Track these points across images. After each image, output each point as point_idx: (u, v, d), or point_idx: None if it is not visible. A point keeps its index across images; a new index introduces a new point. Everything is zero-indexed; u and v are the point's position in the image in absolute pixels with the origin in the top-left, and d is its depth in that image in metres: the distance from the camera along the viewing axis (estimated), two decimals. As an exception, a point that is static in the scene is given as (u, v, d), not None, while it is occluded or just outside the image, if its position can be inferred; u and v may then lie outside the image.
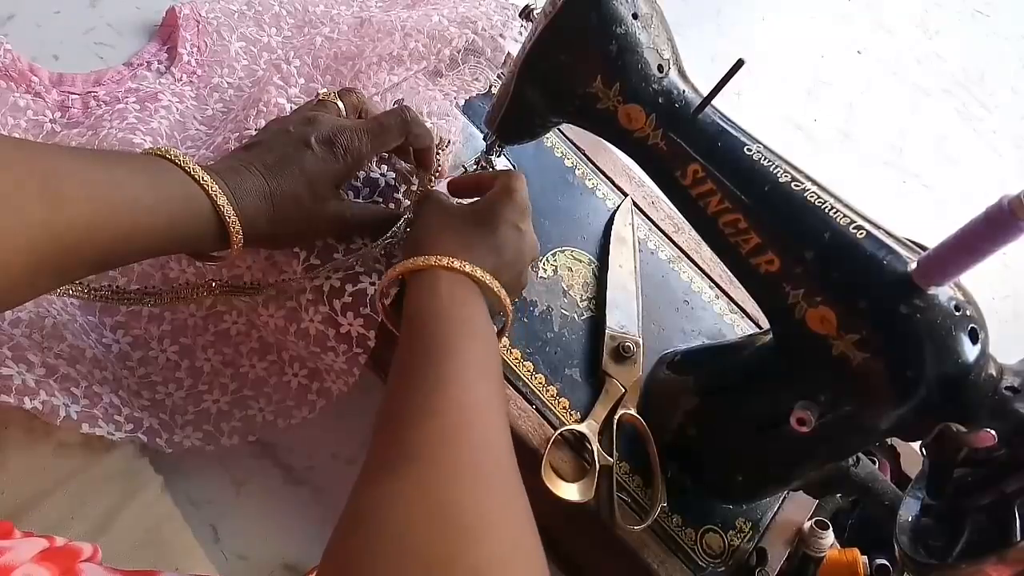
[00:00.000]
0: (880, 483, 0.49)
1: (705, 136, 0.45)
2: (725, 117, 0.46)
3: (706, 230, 0.47)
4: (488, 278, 0.44)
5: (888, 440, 0.59)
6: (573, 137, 0.67)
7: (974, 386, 0.39)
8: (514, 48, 0.64)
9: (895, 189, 0.95)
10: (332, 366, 0.54)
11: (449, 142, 0.57)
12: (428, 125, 0.58)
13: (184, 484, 0.54)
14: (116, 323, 0.56)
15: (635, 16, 0.45)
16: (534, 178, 0.62)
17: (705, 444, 0.53)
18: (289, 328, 0.53)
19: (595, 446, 0.52)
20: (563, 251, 0.60)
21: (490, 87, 0.65)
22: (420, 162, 0.55)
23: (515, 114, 0.51)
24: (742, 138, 0.45)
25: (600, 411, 0.54)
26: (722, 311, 0.63)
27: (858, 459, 0.49)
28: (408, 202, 0.55)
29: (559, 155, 0.65)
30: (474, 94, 0.64)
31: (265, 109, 0.55)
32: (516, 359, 0.55)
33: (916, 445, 0.52)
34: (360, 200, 0.54)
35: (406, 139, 0.50)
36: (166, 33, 0.68)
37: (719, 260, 0.49)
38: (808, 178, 0.44)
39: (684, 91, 0.46)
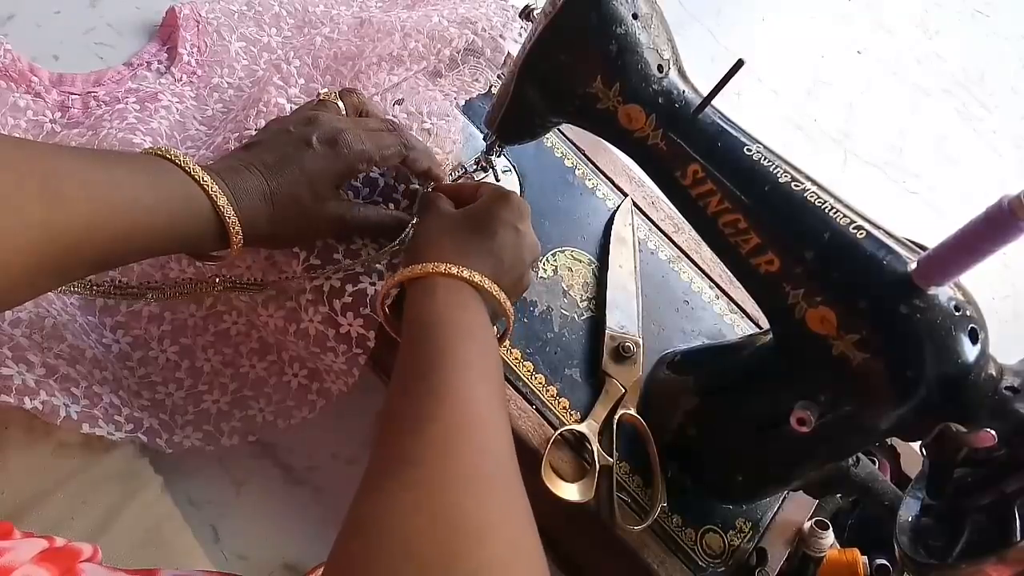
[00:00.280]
0: (880, 483, 0.49)
1: (705, 136, 0.45)
2: (725, 117, 0.46)
3: (706, 230, 0.47)
4: (487, 283, 0.44)
5: (888, 440, 0.59)
6: (573, 137, 0.66)
7: (974, 386, 0.39)
8: (514, 49, 0.64)
9: (895, 189, 0.95)
10: (332, 366, 0.54)
11: (450, 151, 0.57)
12: (428, 126, 0.58)
13: (184, 484, 0.54)
14: (116, 323, 0.56)
15: (635, 16, 0.45)
16: (534, 178, 0.62)
17: (705, 444, 0.53)
18: (289, 328, 0.53)
19: (595, 446, 0.52)
20: (563, 251, 0.60)
21: (490, 87, 0.65)
22: (422, 178, 0.55)
23: (515, 114, 0.51)
24: (742, 138, 0.45)
25: (600, 411, 0.54)
26: (722, 311, 0.63)
27: (858, 459, 0.49)
28: (407, 202, 0.55)
29: (559, 155, 0.65)
30: (474, 95, 0.64)
31: (265, 109, 0.55)
32: (516, 359, 0.55)
33: (916, 445, 0.52)
34: (360, 200, 0.54)
35: (404, 162, 0.51)
36: (166, 33, 0.68)
37: (719, 260, 0.48)
38: (808, 178, 0.44)
39: (684, 91, 0.46)
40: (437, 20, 0.61)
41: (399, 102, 0.59)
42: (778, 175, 0.43)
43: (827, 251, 0.41)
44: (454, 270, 0.43)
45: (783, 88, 0.98)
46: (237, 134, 0.54)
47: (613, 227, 0.62)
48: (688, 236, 0.65)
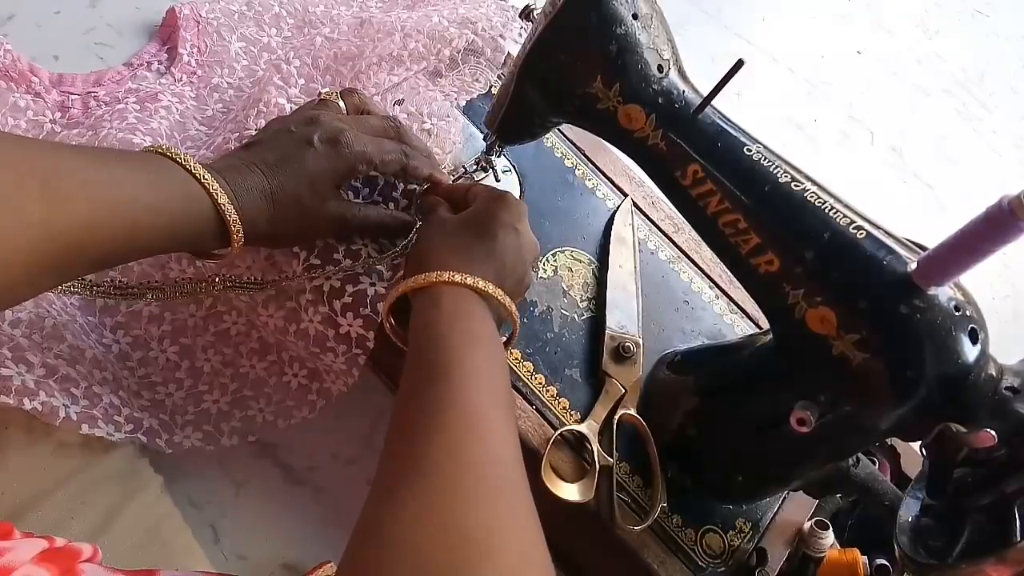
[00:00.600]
0: (880, 483, 0.49)
1: (705, 136, 0.45)
2: (725, 117, 0.46)
3: (706, 230, 0.47)
4: (491, 288, 0.44)
5: (888, 440, 0.59)
6: (573, 137, 0.66)
7: (974, 386, 0.39)
8: (514, 49, 0.64)
9: (895, 189, 0.95)
10: (332, 366, 0.54)
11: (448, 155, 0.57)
12: (428, 126, 0.58)
13: (184, 484, 0.54)
14: (116, 323, 0.56)
15: (635, 16, 0.45)
16: (534, 178, 0.62)
17: (705, 444, 0.53)
18: (289, 328, 0.53)
19: (595, 446, 0.52)
20: (563, 251, 0.60)
21: (490, 87, 0.65)
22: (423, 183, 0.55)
23: (515, 114, 0.51)
24: (742, 138, 0.45)
25: (600, 411, 0.54)
26: (722, 311, 0.63)
27: (858, 459, 0.49)
28: (406, 202, 0.55)
29: (559, 155, 0.65)
30: (474, 95, 0.64)
31: (265, 109, 0.55)
32: (516, 359, 0.55)
33: (916, 445, 0.52)
34: (360, 200, 0.54)
35: (404, 170, 0.51)
36: (166, 33, 0.68)
37: (719, 260, 0.48)
38: (808, 178, 0.44)
39: (684, 91, 0.46)
40: (437, 20, 0.61)
41: (399, 102, 0.59)
42: (778, 175, 0.43)
43: (827, 251, 0.41)
44: (458, 278, 0.43)
45: (783, 88, 0.98)
46: (237, 134, 0.54)
47: (613, 227, 0.62)
48: (688, 236, 0.65)
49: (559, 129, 0.66)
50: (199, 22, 0.67)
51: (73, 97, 0.62)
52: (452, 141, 0.59)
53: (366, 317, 0.50)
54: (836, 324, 0.40)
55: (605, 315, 0.58)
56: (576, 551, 0.58)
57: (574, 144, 0.66)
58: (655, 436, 0.54)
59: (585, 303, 0.59)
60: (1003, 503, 0.37)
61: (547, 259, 0.59)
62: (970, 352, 0.38)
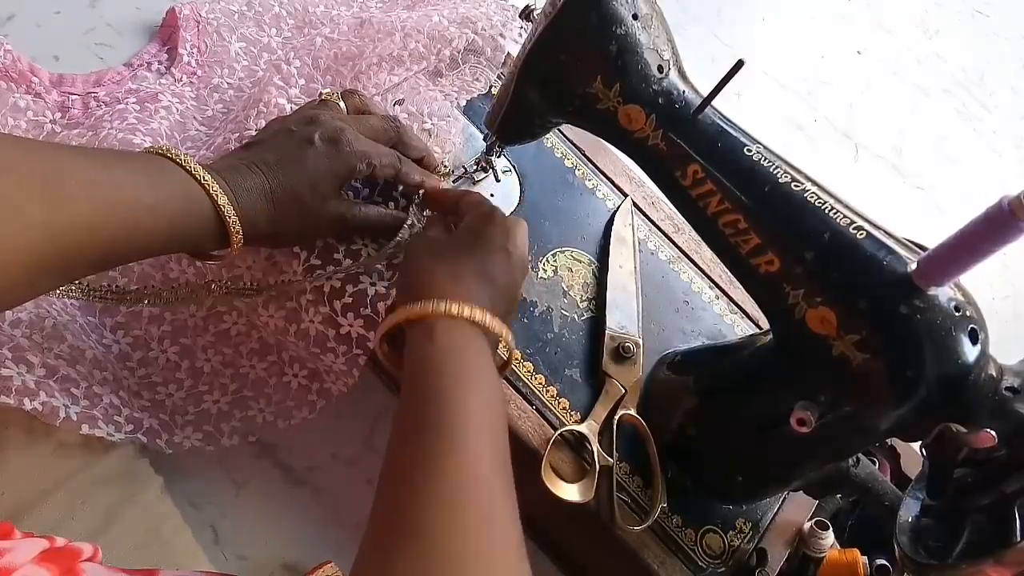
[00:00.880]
0: (880, 483, 0.49)
1: (705, 136, 0.45)
2: (725, 117, 0.46)
3: (706, 230, 0.47)
4: (487, 318, 0.42)
5: (888, 440, 0.59)
6: (573, 137, 0.66)
7: (974, 386, 0.39)
8: (514, 49, 0.64)
9: (895, 189, 0.95)
10: (332, 367, 0.54)
11: (444, 166, 0.57)
12: (428, 126, 0.58)
13: (184, 484, 0.54)
14: (116, 324, 0.56)
15: (635, 16, 0.45)
16: (534, 178, 0.62)
17: (705, 444, 0.53)
18: (289, 329, 0.53)
19: (595, 446, 0.52)
20: (563, 251, 0.60)
21: (490, 87, 0.65)
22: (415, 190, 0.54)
23: (515, 114, 0.51)
24: (742, 138, 0.45)
25: (600, 411, 0.54)
26: (722, 311, 0.63)
27: (858, 459, 0.49)
28: (405, 202, 0.55)
29: (559, 155, 0.65)
30: (475, 94, 0.64)
31: (265, 110, 0.55)
32: (516, 359, 0.55)
33: (916, 445, 0.52)
34: (360, 200, 0.54)
35: (397, 176, 0.51)
36: (166, 33, 0.68)
37: (719, 260, 0.48)
38: (808, 178, 0.44)
39: (684, 91, 0.46)
40: (437, 20, 0.61)
41: (400, 102, 0.59)
42: (778, 175, 0.43)
43: (827, 251, 0.41)
44: (455, 309, 0.41)
45: (783, 88, 0.98)
46: (237, 134, 0.54)
47: (613, 227, 0.62)
48: (688, 236, 0.65)
49: (559, 129, 0.66)
50: (199, 22, 0.67)
51: (73, 97, 0.62)
52: (452, 141, 0.59)
53: (366, 317, 0.50)
54: (836, 324, 0.40)
55: (605, 315, 0.58)
56: (576, 551, 0.58)
57: (574, 144, 0.66)
58: (655, 436, 0.54)
59: (585, 303, 0.59)
60: (1003, 503, 0.37)
61: (547, 259, 0.60)
62: (970, 352, 0.38)
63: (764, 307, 0.47)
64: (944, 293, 0.39)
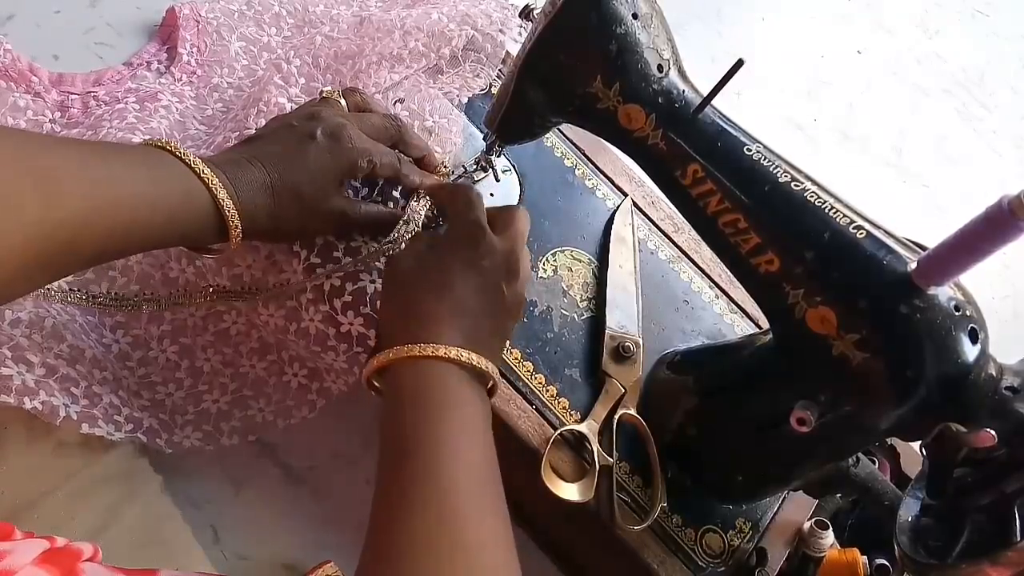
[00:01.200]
0: (880, 483, 0.49)
1: (705, 136, 0.45)
2: (725, 117, 0.46)
3: (706, 230, 0.47)
4: (453, 352, 0.41)
5: (888, 440, 0.59)
6: (573, 137, 0.66)
7: (974, 386, 0.39)
8: (513, 47, 0.64)
9: (895, 189, 0.95)
10: (332, 365, 0.54)
11: (443, 166, 0.57)
12: (429, 124, 0.58)
13: (184, 484, 0.54)
14: (116, 323, 0.56)
15: (635, 16, 0.45)
16: (534, 178, 0.62)
17: (705, 444, 0.53)
18: (289, 327, 0.52)
19: (595, 446, 0.52)
20: (563, 251, 0.60)
21: (490, 87, 0.65)
22: (423, 168, 0.54)
23: (515, 114, 0.51)
24: (742, 138, 0.45)
25: (600, 411, 0.54)
26: (722, 311, 0.63)
27: (858, 459, 0.49)
28: (404, 202, 0.55)
29: (559, 155, 0.65)
30: (476, 91, 0.64)
31: (266, 109, 0.54)
32: (516, 359, 0.55)
33: (916, 445, 0.52)
34: (359, 199, 0.54)
35: (396, 177, 0.51)
36: (166, 33, 0.68)
37: (719, 260, 0.48)
38: (808, 178, 0.44)
39: (684, 91, 0.46)
40: (437, 17, 0.61)
41: (400, 101, 0.59)
42: (778, 175, 0.43)
43: (827, 251, 0.41)
44: (416, 351, 0.41)
45: (783, 88, 0.98)
46: (237, 133, 0.54)
47: (613, 227, 0.62)
48: (688, 236, 0.65)
49: (559, 129, 0.66)
50: (199, 22, 0.67)
51: (73, 97, 0.62)
52: (453, 141, 0.59)
53: (366, 315, 0.50)
54: (836, 324, 0.40)
55: (605, 315, 0.58)
56: (576, 551, 0.58)
57: (574, 144, 0.66)
58: (655, 436, 0.54)
59: (585, 303, 0.59)
60: (1003, 503, 0.37)
61: (547, 258, 0.60)
62: (970, 352, 0.38)
63: (764, 307, 0.47)
64: (944, 293, 0.39)
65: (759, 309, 0.53)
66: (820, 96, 0.99)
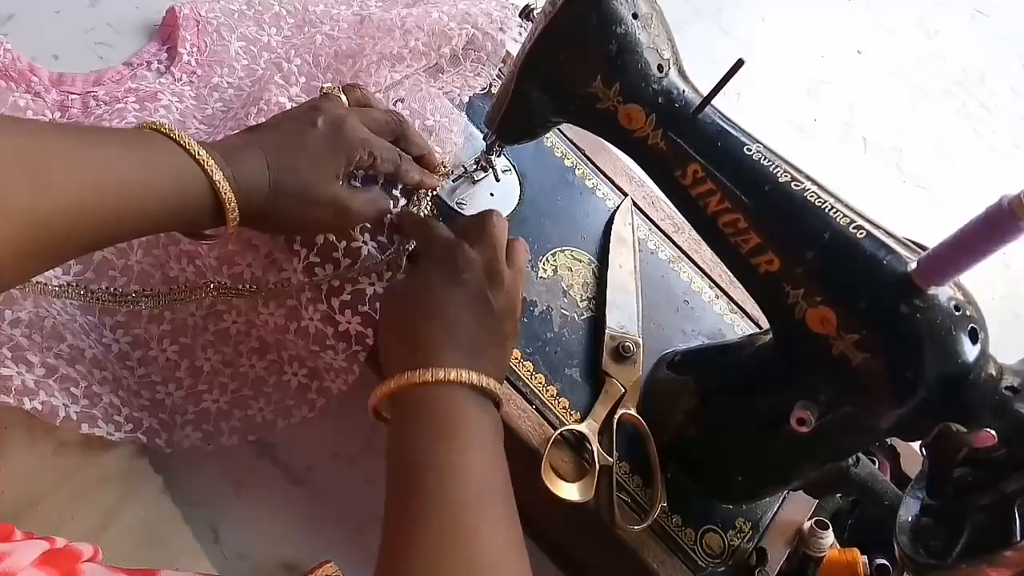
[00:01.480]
0: (880, 483, 0.49)
1: (705, 136, 0.45)
2: (725, 117, 0.46)
3: (706, 230, 0.47)
4: (453, 374, 0.41)
5: (888, 440, 0.59)
6: (573, 137, 0.66)
7: (974, 386, 0.39)
8: (514, 47, 0.63)
9: (895, 189, 0.95)
10: (332, 364, 0.54)
11: (443, 166, 0.57)
12: (430, 123, 0.58)
13: (184, 484, 0.54)
14: (116, 323, 0.56)
15: (635, 16, 0.45)
16: (534, 178, 0.62)
17: (705, 444, 0.53)
18: (289, 327, 0.53)
19: (595, 446, 0.52)
20: (563, 251, 0.60)
21: (490, 86, 0.65)
22: (423, 167, 0.54)
23: (515, 114, 0.51)
24: (742, 138, 0.45)
25: (600, 411, 0.54)
26: (722, 311, 0.63)
27: (858, 459, 0.49)
28: (404, 200, 0.55)
29: (559, 155, 0.65)
30: (476, 91, 0.64)
31: (266, 108, 0.54)
32: (516, 359, 0.55)
33: (916, 445, 0.52)
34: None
35: (396, 173, 0.50)
36: (166, 33, 0.68)
37: (719, 260, 0.48)
38: (808, 178, 0.44)
39: (684, 91, 0.46)
40: (437, 16, 0.61)
41: (400, 100, 0.59)
42: (778, 175, 0.43)
43: (827, 251, 0.41)
44: (416, 377, 0.41)
45: (783, 88, 0.98)
46: (237, 132, 0.54)
47: (613, 227, 0.62)
48: (688, 236, 0.65)
49: (559, 129, 0.66)
50: (199, 21, 0.67)
51: (73, 96, 0.62)
52: (453, 140, 0.59)
53: (364, 314, 0.50)
54: (836, 324, 0.40)
55: (605, 315, 0.58)
56: (576, 551, 0.58)
57: (574, 144, 0.66)
58: (655, 436, 0.54)
59: (585, 303, 0.59)
60: (1003, 503, 0.37)
61: (547, 258, 0.59)
62: (970, 352, 0.38)
63: (764, 307, 0.47)
64: (944, 293, 0.38)
65: (759, 309, 0.53)
66: (820, 96, 0.99)
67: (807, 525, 0.54)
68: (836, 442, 0.46)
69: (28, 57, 0.62)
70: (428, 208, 0.56)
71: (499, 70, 0.66)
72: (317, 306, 0.51)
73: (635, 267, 0.61)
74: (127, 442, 0.50)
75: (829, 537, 0.54)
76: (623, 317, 0.58)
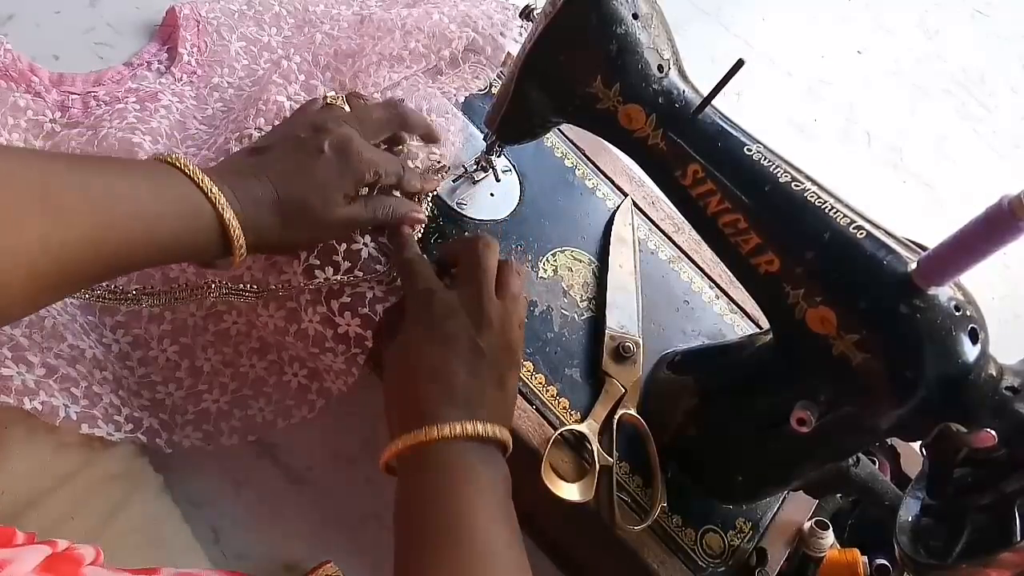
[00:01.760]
0: (880, 483, 0.49)
1: (705, 136, 0.45)
2: (725, 117, 0.46)
3: (706, 230, 0.47)
4: (457, 428, 0.41)
5: (888, 440, 0.59)
6: (573, 137, 0.66)
7: (974, 386, 0.39)
8: (514, 48, 0.64)
9: (895, 189, 0.95)
10: (332, 366, 0.54)
11: (443, 167, 0.57)
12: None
13: (184, 484, 0.54)
14: (116, 323, 0.56)
15: (635, 16, 0.45)
16: (534, 178, 0.62)
17: (705, 444, 0.53)
18: (288, 328, 0.52)
19: (595, 446, 0.52)
20: (563, 251, 0.60)
21: (490, 87, 0.65)
22: (426, 140, 0.55)
23: (515, 114, 0.51)
24: (742, 138, 0.45)
25: (600, 411, 0.54)
26: (722, 311, 0.63)
27: (858, 459, 0.49)
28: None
29: (559, 155, 0.65)
30: (474, 91, 0.64)
31: (265, 108, 0.54)
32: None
33: (916, 445, 0.52)
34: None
35: (398, 184, 0.51)
36: (166, 33, 0.68)
37: (719, 260, 0.48)
38: (808, 178, 0.44)
39: (684, 91, 0.46)
40: (437, 18, 0.61)
41: (399, 100, 0.59)
42: (778, 175, 0.43)
43: (827, 251, 0.41)
44: (424, 436, 0.41)
45: (783, 88, 0.98)
46: (237, 134, 0.54)
47: (613, 227, 0.62)
48: (688, 236, 0.65)
49: (559, 129, 0.66)
50: (199, 22, 0.67)
51: (73, 97, 0.62)
52: (452, 140, 0.59)
53: (364, 317, 0.50)
54: (836, 324, 0.40)
55: (605, 315, 0.58)
56: (576, 551, 0.58)
57: (574, 144, 0.66)
58: (655, 436, 0.54)
59: (585, 303, 0.59)
60: (1003, 503, 0.37)
61: (547, 259, 0.60)
62: (970, 352, 0.38)
63: (764, 307, 0.47)
64: (944, 293, 0.39)
65: (759, 309, 0.53)
66: (820, 96, 0.99)
67: (807, 525, 0.54)
68: (836, 442, 0.46)
69: (28, 57, 0.62)
70: (428, 208, 0.56)
71: (499, 71, 0.66)
72: (317, 308, 0.51)
73: (635, 267, 0.61)
74: (127, 442, 0.50)
75: (829, 537, 0.54)
76: (623, 317, 0.58)
